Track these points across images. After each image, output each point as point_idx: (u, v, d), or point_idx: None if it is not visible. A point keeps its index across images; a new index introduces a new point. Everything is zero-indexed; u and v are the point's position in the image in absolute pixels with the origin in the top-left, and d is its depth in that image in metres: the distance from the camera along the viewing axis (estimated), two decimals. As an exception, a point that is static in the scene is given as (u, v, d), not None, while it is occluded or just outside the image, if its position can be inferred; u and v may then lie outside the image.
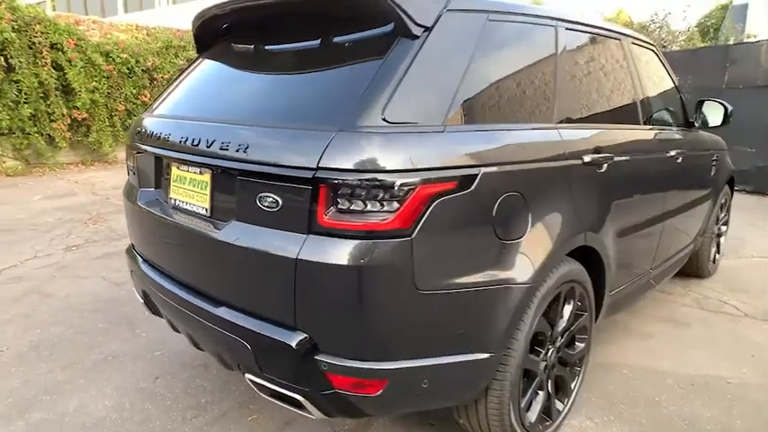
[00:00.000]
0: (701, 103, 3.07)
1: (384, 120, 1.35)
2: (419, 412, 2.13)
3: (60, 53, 8.31)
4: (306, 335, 1.41)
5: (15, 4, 7.97)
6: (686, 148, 2.83)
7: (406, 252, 1.34)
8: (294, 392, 1.47)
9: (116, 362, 2.55)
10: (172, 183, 1.82)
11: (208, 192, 1.64)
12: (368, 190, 1.30)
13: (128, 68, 9.44)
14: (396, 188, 1.31)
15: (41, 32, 8.09)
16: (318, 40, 1.69)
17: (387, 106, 1.36)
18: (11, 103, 7.83)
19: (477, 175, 1.46)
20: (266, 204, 1.42)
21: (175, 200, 1.79)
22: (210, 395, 2.28)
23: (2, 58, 7.68)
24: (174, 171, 1.80)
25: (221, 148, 1.53)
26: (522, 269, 1.58)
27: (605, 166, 2.01)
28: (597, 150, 1.98)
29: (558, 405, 2.03)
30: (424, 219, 1.35)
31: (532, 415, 1.85)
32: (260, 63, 1.91)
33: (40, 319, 3.03)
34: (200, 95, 1.96)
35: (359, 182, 1.30)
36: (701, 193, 3.26)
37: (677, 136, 2.82)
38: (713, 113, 3.04)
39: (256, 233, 1.45)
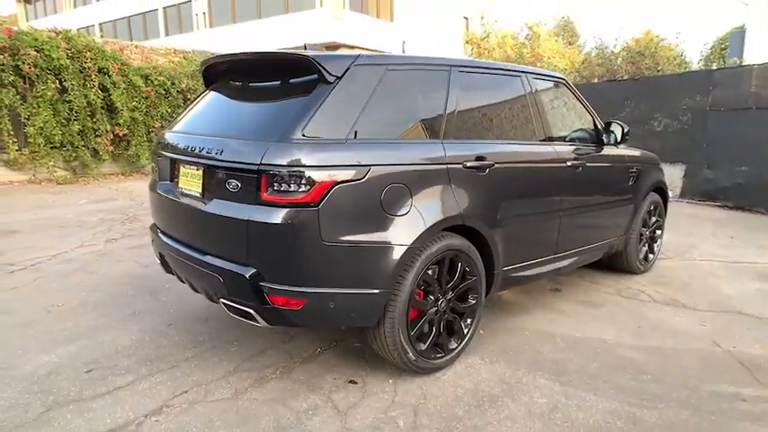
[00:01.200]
0: (608, 123, 3.79)
1: (303, 135, 2.18)
2: (358, 349, 2.92)
3: (106, 76, 9.50)
4: (255, 269, 2.23)
5: (70, 34, 9.24)
6: (588, 160, 3.56)
7: (314, 216, 2.15)
8: (248, 308, 2.29)
9: (140, 315, 3.42)
10: (180, 176, 2.68)
11: (200, 181, 2.49)
12: (290, 178, 2.12)
13: (164, 90, 10.59)
14: (307, 177, 2.13)
15: (91, 59, 9.30)
16: (273, 82, 2.56)
17: (306, 127, 2.19)
18: (63, 121, 9.03)
19: (368, 171, 2.26)
20: (232, 187, 2.26)
21: (182, 188, 2.66)
22: (206, 336, 3.12)
23: (57, 82, 8.90)
24: (182, 169, 2.67)
25: (207, 153, 2.39)
26: (403, 235, 2.37)
27: (487, 170, 2.78)
28: (479, 158, 2.75)
29: (453, 344, 2.78)
30: (327, 197, 2.16)
31: (423, 345, 2.61)
32: (238, 95, 2.78)
33: (85, 287, 3.94)
34: (200, 117, 2.83)
35: (285, 173, 2.12)
36: (614, 197, 3.96)
37: (580, 150, 3.55)
38: (618, 132, 3.76)
39: (226, 205, 2.30)
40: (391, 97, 2.51)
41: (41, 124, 8.67)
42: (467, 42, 29.97)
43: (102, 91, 9.52)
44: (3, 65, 8.23)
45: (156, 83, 10.41)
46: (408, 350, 2.52)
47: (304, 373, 2.71)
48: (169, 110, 10.77)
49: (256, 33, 23.71)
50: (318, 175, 2.15)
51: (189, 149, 2.56)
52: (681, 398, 2.57)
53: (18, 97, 8.51)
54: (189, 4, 27.36)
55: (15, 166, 8.90)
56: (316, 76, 2.33)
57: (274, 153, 2.14)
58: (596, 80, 11.07)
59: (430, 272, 2.58)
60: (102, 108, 9.57)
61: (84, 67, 9.23)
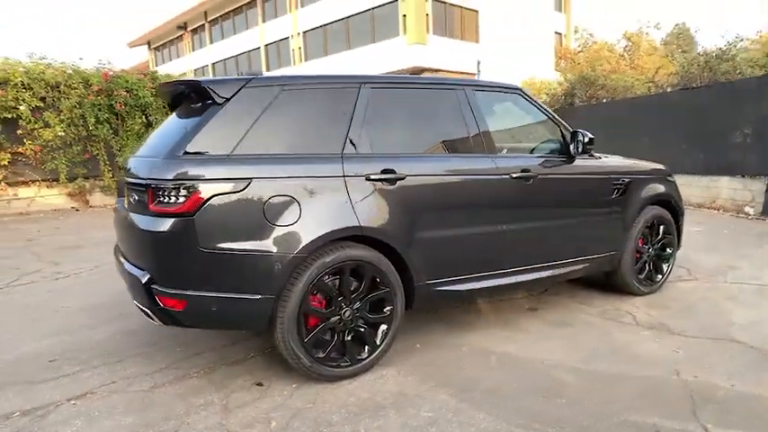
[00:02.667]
0: (575, 133, 3.60)
1: (186, 152, 2.43)
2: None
3: (185, 111, 10.68)
4: (149, 274, 2.50)
5: (156, 74, 10.54)
6: (544, 173, 3.42)
7: (191, 225, 2.37)
8: (146, 308, 2.56)
9: (125, 317, 3.85)
10: (126, 193, 3.07)
11: (127, 197, 2.84)
12: (170, 190, 2.38)
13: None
14: (184, 190, 2.36)
15: (173, 96, 10.52)
16: (186, 105, 2.86)
17: (189, 144, 2.44)
18: (148, 150, 10.27)
19: (248, 184, 2.45)
20: (136, 200, 2.57)
21: (125, 203, 3.03)
22: (164, 337, 3.44)
23: (144, 117, 10.20)
24: (126, 187, 3.05)
25: (131, 171, 2.73)
26: (288, 244, 2.50)
27: (396, 183, 2.82)
28: (387, 171, 2.81)
29: (363, 354, 2.82)
30: (203, 207, 2.38)
31: (322, 352, 2.69)
32: (170, 119, 3.10)
33: (100, 293, 4.51)
34: (148, 140, 3.21)
35: (165, 186, 2.38)
36: (588, 211, 3.72)
37: (532, 162, 3.42)
38: (581, 141, 3.56)
39: (134, 217, 2.60)
40: (286, 114, 2.69)
41: (129, 154, 9.95)
42: (559, 58, 28.99)
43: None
44: (100, 105, 9.64)
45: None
46: (301, 356, 2.62)
47: (223, 374, 2.91)
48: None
49: (347, 63, 25.04)
50: (194, 188, 2.38)
51: (129, 169, 2.93)
52: (582, 424, 2.37)
53: (111, 132, 9.88)
54: (287, 41, 29.64)
55: (109, 192, 10.27)
56: (209, 99, 2.59)
57: (158, 168, 2.42)
58: (669, 89, 10.21)
59: (328, 281, 2.67)
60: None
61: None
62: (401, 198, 2.86)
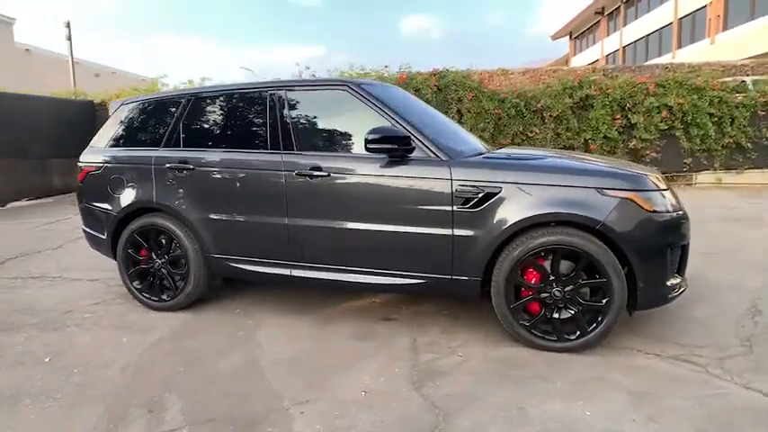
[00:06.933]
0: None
1: (90, 145, 4.10)
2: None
3: (462, 103, 11.83)
4: (90, 215, 4.35)
5: (442, 73, 12.04)
6: (341, 172, 3.24)
7: (81, 188, 4.06)
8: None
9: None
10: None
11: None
12: (77, 167, 4.12)
13: (516, 111, 11.85)
14: (79, 167, 4.06)
15: (454, 90, 11.86)
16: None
17: (92, 140, 4.09)
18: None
19: (103, 166, 3.91)
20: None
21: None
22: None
23: (428, 111, 12.00)
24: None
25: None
26: (116, 207, 3.82)
27: (185, 171, 3.61)
28: (183, 161, 3.62)
29: (164, 296, 3.82)
30: (85, 179, 4.01)
31: (140, 284, 3.88)
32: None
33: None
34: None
35: (77, 164, 4.13)
36: (405, 220, 3.12)
37: (329, 159, 3.29)
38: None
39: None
40: (137, 123, 3.96)
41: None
42: None
43: (459, 115, 11.93)
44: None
45: (508, 105, 11.82)
46: (132, 289, 3.91)
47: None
48: (521, 128, 11.93)
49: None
50: (82, 166, 4.05)
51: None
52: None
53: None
54: (704, 10, 25.22)
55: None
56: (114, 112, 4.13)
57: (84, 154, 4.18)
58: None
59: (140, 237, 3.82)
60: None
61: (447, 99, 11.90)
62: (190, 183, 3.64)
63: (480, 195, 2.99)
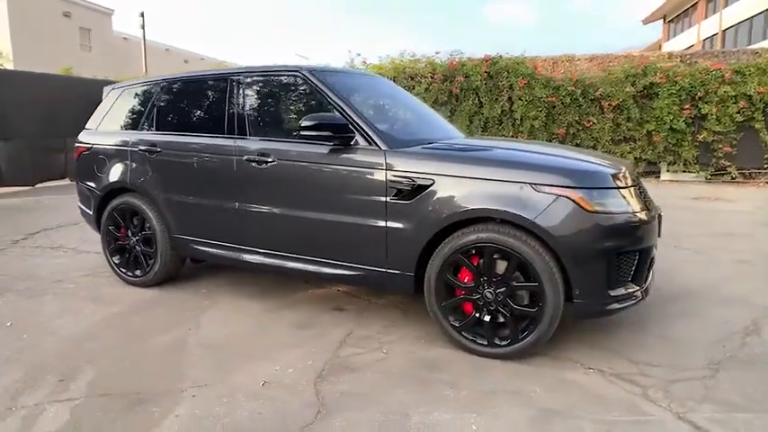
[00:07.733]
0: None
1: (84, 127, 4.35)
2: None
3: (513, 91, 11.29)
4: (90, 192, 4.65)
5: (497, 60, 11.51)
6: (286, 158, 3.20)
7: (76, 165, 4.33)
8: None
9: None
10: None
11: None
12: (74, 145, 4.39)
13: (571, 99, 11.12)
14: (76, 147, 4.32)
15: (506, 77, 11.34)
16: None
17: (87, 123, 4.34)
18: (475, 129, 11.65)
19: (91, 147, 4.14)
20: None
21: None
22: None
23: (477, 98, 11.57)
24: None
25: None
26: (98, 186, 4.04)
27: (154, 154, 3.73)
28: (152, 144, 3.74)
29: (138, 272, 3.99)
30: (80, 157, 4.26)
31: (118, 260, 4.09)
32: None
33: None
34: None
35: (77, 146, 4.40)
36: (342, 209, 3.02)
37: (278, 145, 3.24)
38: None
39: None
40: (122, 107, 4.13)
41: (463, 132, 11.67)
42: None
43: (509, 102, 11.41)
44: (442, 89, 11.73)
45: (563, 93, 11.12)
46: (112, 263, 4.13)
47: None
48: (577, 117, 11.21)
49: None
50: (78, 146, 4.30)
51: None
52: None
53: (449, 111, 11.84)
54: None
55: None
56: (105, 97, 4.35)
57: (79, 137, 4.44)
58: None
59: (118, 215, 4.01)
60: (501, 119, 11.41)
61: (498, 86, 11.40)
62: (157, 165, 3.76)
63: (412, 187, 2.83)
